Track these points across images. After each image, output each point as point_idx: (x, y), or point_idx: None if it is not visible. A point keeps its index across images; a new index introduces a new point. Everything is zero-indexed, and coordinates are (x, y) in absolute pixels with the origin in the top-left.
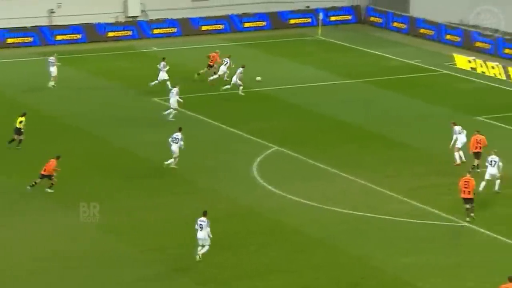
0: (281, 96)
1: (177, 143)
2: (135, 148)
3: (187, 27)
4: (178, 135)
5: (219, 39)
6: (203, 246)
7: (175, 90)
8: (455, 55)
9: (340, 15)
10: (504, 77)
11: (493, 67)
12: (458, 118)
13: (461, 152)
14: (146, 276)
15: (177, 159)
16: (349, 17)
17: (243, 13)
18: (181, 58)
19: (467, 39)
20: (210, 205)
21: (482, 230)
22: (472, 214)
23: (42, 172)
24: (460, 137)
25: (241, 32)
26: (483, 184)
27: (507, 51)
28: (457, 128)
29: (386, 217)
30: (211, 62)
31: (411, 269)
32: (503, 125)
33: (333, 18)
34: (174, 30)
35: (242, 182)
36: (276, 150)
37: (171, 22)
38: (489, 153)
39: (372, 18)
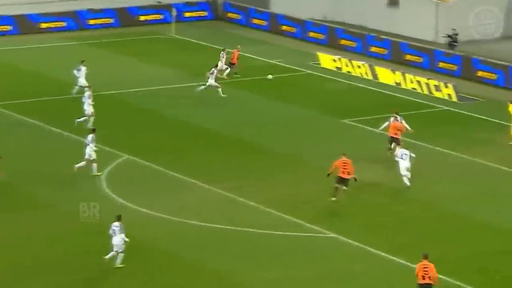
0: (131, 100)
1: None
2: None
3: (24, 24)
4: (90, 137)
5: (61, 38)
6: (117, 252)
7: (87, 94)
8: (319, 53)
9: (196, 11)
10: (371, 77)
11: (359, 67)
12: (324, 121)
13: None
14: None
15: (94, 164)
16: (205, 13)
17: (88, 9)
18: (17, 59)
19: (332, 36)
20: (53, 222)
21: (347, 240)
22: (343, 196)
23: None
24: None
25: (86, 29)
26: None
27: (374, 49)
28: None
29: (247, 229)
30: (232, 60)
31: (274, 284)
32: (369, 128)
33: (187, 14)
34: (9, 28)
35: (89, 195)
36: (127, 159)
37: (5, 19)
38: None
39: (229, 15)
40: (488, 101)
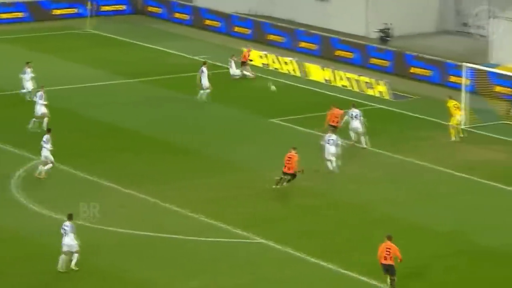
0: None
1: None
2: None
3: None
4: (46, 137)
5: None
6: (71, 253)
7: (39, 94)
8: (244, 49)
9: (113, 5)
10: (299, 74)
11: (286, 63)
12: (251, 121)
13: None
14: None
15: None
16: (124, 7)
17: None
18: None
19: (259, 31)
20: None
21: (276, 246)
22: (284, 184)
23: None
24: (353, 122)
25: None
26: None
27: (303, 45)
28: (354, 112)
29: (170, 235)
30: (243, 59)
31: None
32: (299, 127)
33: (105, 8)
34: None
35: None
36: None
37: None
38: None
39: (150, 8)
40: (422, 98)
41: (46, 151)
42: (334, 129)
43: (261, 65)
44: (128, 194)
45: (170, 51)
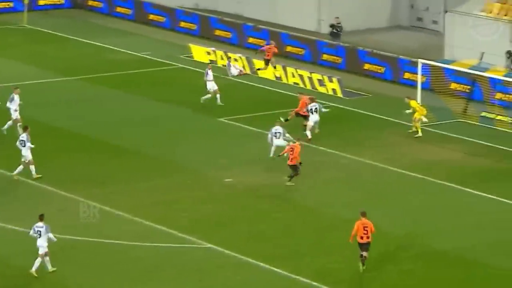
0: None
1: (24, 146)
2: None
3: None
4: (24, 136)
5: None
6: (46, 255)
7: (15, 96)
8: (191, 45)
9: None
10: (248, 71)
11: (236, 60)
12: (198, 121)
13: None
14: None
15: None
16: (62, 1)
17: None
18: None
19: (205, 26)
20: None
21: (224, 251)
22: (287, 184)
23: None
24: (312, 117)
25: None
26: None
27: (252, 40)
28: (314, 105)
29: (113, 241)
30: (267, 56)
31: None
32: (248, 127)
33: (42, 2)
34: None
35: None
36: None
37: None
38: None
39: (90, 2)
40: (375, 96)
41: (25, 151)
42: (306, 117)
43: (208, 62)
44: (68, 197)
45: (111, 47)
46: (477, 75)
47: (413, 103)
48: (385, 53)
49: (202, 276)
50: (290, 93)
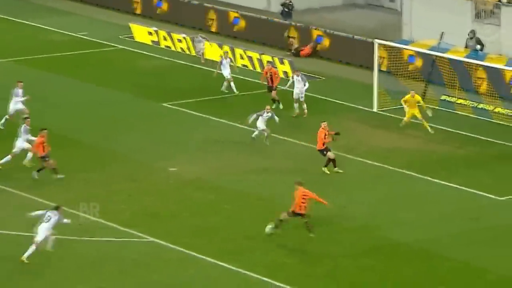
0: None
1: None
2: None
3: None
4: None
5: None
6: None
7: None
8: (132, 25)
9: None
10: (194, 52)
11: (179, 40)
12: (140, 106)
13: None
14: None
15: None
16: None
17: None
18: None
19: (147, 5)
20: None
21: (169, 245)
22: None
23: None
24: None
25: None
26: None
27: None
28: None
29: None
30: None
31: None
32: (194, 112)
33: None
34: None
35: None
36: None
37: None
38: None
39: None
40: (329, 78)
41: (21, 142)
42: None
43: (150, 43)
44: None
45: (49, 27)
46: (437, 56)
47: (416, 97)
48: (340, 33)
49: (145, 272)
50: (237, 76)
